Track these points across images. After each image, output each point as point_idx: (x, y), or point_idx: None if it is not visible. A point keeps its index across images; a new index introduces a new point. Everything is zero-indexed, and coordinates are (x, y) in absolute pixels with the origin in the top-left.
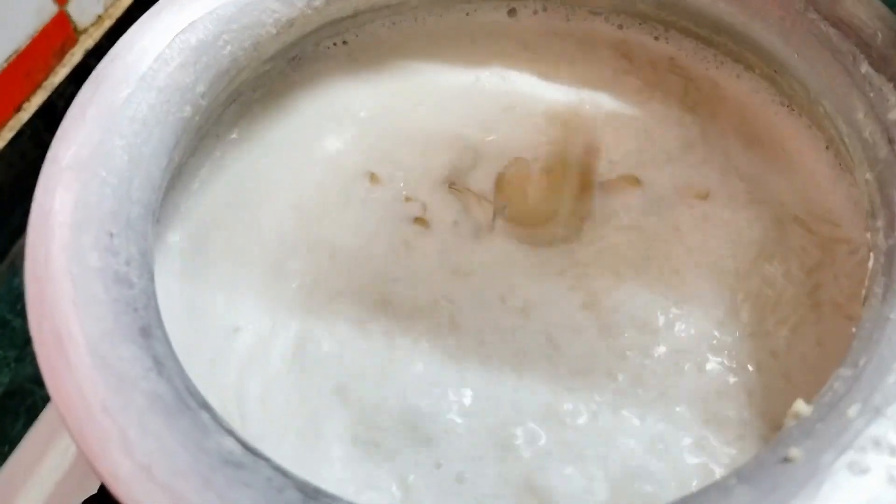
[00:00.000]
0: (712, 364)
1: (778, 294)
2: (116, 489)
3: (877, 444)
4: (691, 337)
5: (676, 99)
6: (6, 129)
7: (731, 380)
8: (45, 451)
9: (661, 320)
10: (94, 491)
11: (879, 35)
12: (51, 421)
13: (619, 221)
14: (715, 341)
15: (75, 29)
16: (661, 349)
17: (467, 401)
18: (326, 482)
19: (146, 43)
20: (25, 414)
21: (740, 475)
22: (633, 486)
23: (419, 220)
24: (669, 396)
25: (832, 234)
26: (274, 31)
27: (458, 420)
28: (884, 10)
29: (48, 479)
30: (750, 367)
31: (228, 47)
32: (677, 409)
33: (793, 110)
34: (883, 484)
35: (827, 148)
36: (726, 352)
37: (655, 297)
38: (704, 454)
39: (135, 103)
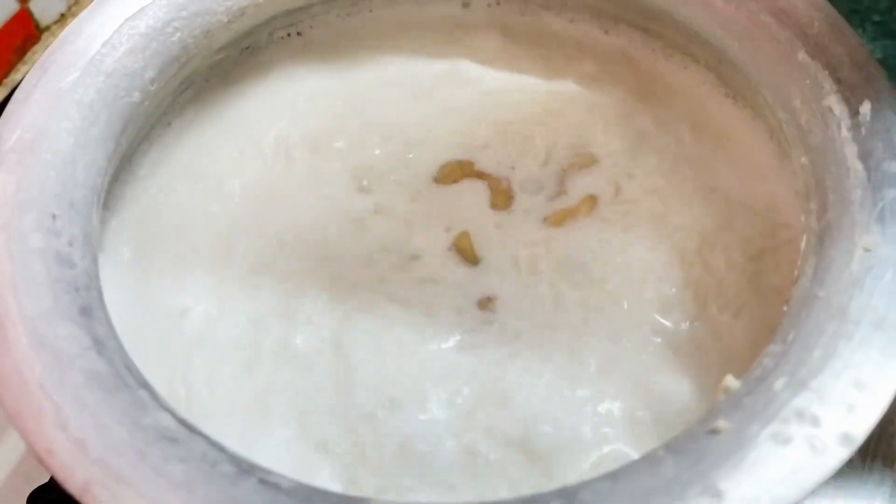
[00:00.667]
0: (653, 346)
1: (720, 279)
2: (50, 463)
3: (800, 415)
4: (632, 319)
5: (630, 90)
6: None
7: (673, 362)
8: None
9: (604, 305)
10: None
11: (816, 23)
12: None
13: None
14: (657, 325)
15: (38, 27)
16: (601, 331)
17: (416, 380)
18: (271, 460)
19: (95, 28)
20: None
21: (669, 446)
22: (563, 459)
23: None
24: (607, 373)
25: (775, 222)
26: (225, 20)
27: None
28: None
29: None
30: (692, 351)
31: (178, 34)
32: (615, 387)
33: (737, 101)
34: (805, 453)
35: (770, 137)
36: (668, 335)
37: (599, 282)
38: (642, 431)
39: (82, 88)
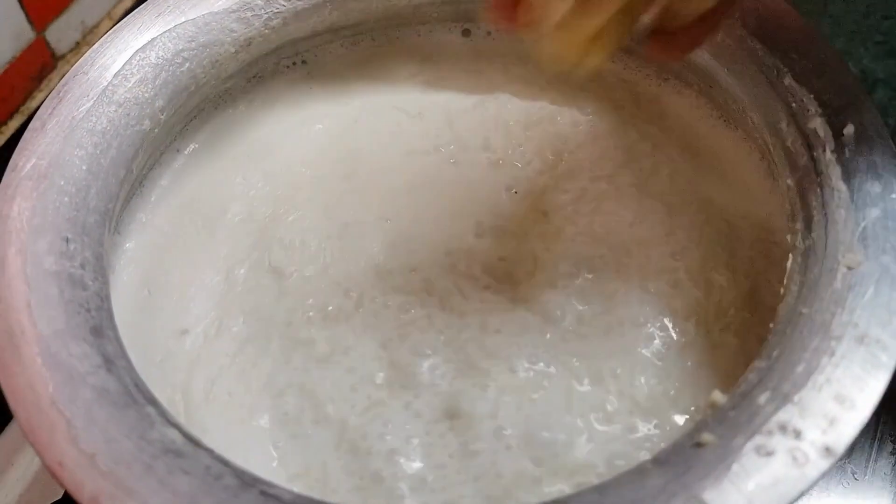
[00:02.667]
0: (659, 368)
1: (720, 298)
2: (61, 476)
3: (783, 428)
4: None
5: (629, 113)
6: None
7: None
8: (9, 462)
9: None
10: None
11: (802, 49)
12: (15, 435)
13: (570, 223)
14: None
15: (53, 55)
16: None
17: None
18: (262, 468)
19: (107, 60)
20: None
21: (657, 459)
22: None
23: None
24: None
25: (769, 240)
26: (233, 50)
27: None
28: (807, 26)
29: (13, 489)
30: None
31: (187, 64)
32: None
33: (729, 124)
34: (786, 465)
35: (762, 158)
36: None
37: (606, 300)
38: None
39: (94, 117)
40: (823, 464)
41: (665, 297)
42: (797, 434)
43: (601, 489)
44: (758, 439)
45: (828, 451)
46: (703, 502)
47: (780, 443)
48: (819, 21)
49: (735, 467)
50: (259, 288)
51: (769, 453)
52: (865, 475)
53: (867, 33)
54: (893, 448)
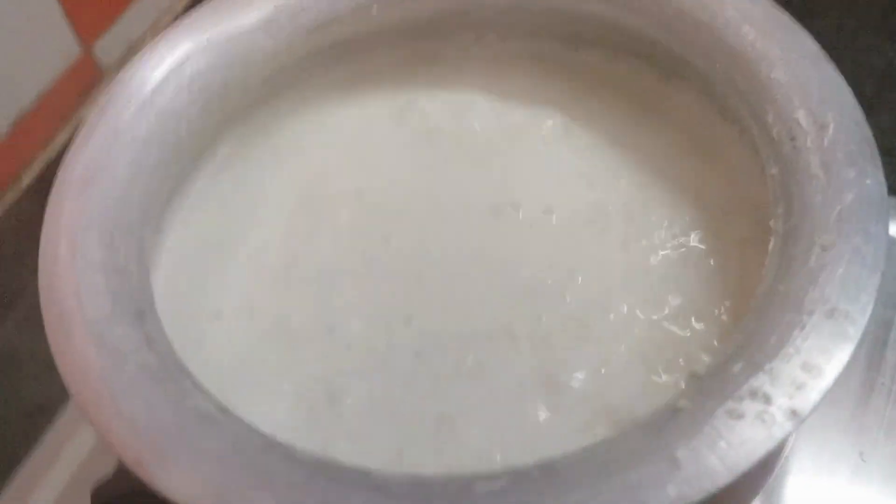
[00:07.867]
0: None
1: (715, 283)
2: (109, 439)
3: (753, 394)
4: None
5: (628, 109)
6: (36, 162)
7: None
8: (61, 446)
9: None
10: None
11: (788, 45)
12: (70, 421)
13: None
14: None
15: (100, 69)
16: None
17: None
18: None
19: (146, 73)
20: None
21: (636, 424)
22: None
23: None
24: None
25: (758, 227)
26: (261, 62)
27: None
28: (791, 22)
29: (65, 470)
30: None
31: (219, 76)
32: None
33: (726, 119)
34: (755, 426)
35: (755, 152)
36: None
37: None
38: None
39: (135, 126)
40: (789, 425)
41: (661, 280)
42: (766, 399)
43: (585, 449)
44: (729, 404)
45: (794, 413)
46: (677, 459)
47: (749, 407)
48: (844, 16)
49: (707, 429)
50: (291, 271)
51: (739, 416)
52: (874, 457)
53: (894, 27)
54: None
